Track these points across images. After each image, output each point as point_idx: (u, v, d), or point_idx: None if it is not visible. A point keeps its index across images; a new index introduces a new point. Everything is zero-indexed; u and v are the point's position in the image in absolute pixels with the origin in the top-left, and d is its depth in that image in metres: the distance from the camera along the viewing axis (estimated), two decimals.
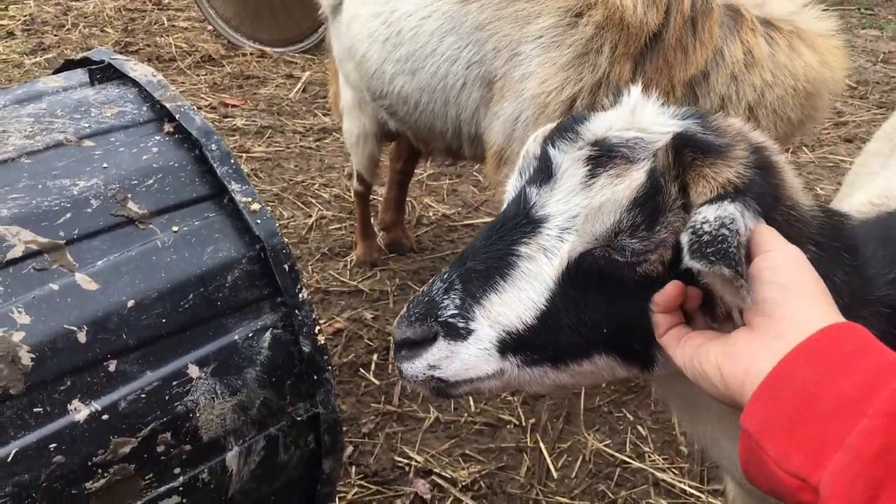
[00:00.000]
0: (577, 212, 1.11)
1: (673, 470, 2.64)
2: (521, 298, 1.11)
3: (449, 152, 2.88)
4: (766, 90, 2.22)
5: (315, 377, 1.82)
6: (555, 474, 2.61)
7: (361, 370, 3.04)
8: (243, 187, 1.78)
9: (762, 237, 1.06)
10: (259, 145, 4.76)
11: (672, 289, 1.09)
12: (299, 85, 5.61)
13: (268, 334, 1.76)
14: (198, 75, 5.70)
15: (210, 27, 6.35)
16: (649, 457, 2.68)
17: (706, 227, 1.01)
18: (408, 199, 3.98)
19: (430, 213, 4.19)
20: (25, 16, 6.68)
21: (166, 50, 6.06)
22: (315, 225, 4.02)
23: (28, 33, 6.38)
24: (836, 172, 4.50)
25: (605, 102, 1.27)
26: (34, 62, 5.81)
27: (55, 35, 6.32)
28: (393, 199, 3.77)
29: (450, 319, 1.12)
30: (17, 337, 1.49)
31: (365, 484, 2.55)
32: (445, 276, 1.16)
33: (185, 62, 5.87)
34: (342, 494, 2.47)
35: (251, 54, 6.07)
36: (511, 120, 2.41)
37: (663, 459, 2.68)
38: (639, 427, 2.81)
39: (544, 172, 1.16)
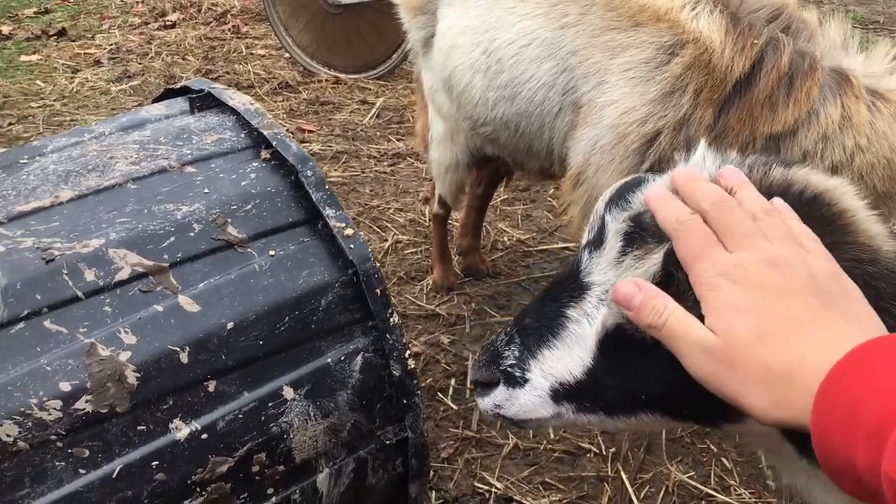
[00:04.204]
0: (609, 287, 1.14)
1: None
2: (570, 356, 1.17)
3: (542, 173, 2.90)
4: (856, 154, 2.14)
5: (404, 401, 1.83)
6: None
7: (439, 395, 3.04)
8: (337, 213, 1.82)
9: None
10: (335, 170, 4.84)
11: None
12: (373, 110, 5.69)
13: (359, 358, 1.78)
14: (275, 101, 5.83)
15: (287, 54, 6.50)
16: (735, 490, 2.62)
17: None
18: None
19: (505, 238, 4.19)
20: (111, 45, 6.94)
21: (245, 77, 6.22)
22: (391, 249, 4.06)
23: (114, 61, 6.63)
24: None
25: (677, 157, 1.23)
26: (120, 89, 6.03)
27: (139, 63, 6.55)
28: (471, 224, 3.78)
29: (509, 369, 1.22)
30: (124, 356, 1.54)
31: None
32: (509, 328, 1.26)
33: (262, 89, 6.01)
34: None
35: (326, 80, 6.19)
36: (590, 145, 2.41)
37: (750, 493, 2.61)
38: (723, 459, 2.75)
39: (598, 237, 1.19)
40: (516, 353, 1.21)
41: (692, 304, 1.01)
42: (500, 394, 1.22)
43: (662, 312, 0.96)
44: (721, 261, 0.96)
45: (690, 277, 0.98)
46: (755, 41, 2.16)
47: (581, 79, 2.38)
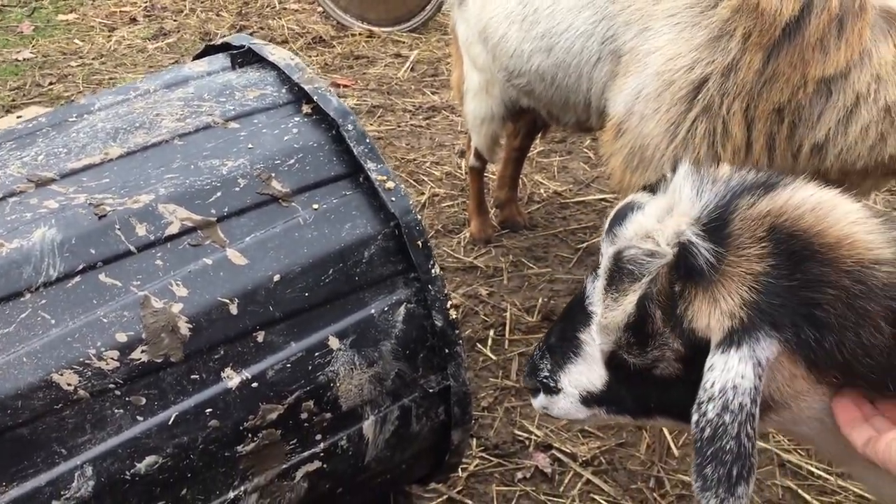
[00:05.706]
0: (599, 319, 1.31)
1: (799, 451, 2.58)
2: (589, 370, 1.37)
3: (579, 126, 2.89)
4: None
5: (446, 351, 1.86)
6: (676, 452, 2.59)
7: (478, 345, 3.09)
8: (378, 166, 1.84)
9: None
10: (370, 125, 4.85)
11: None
12: (408, 64, 5.67)
13: (402, 308, 1.82)
14: (309, 56, 5.83)
15: (320, 9, 6.48)
16: (774, 437, 2.63)
17: (709, 414, 1.09)
18: None
19: (541, 191, 4.19)
20: (146, 2, 6.97)
21: (279, 32, 6.22)
22: (428, 202, 4.08)
23: (149, 19, 6.66)
24: None
25: (668, 176, 1.30)
26: (156, 47, 6.06)
27: (174, 20, 6.58)
28: (508, 176, 3.78)
29: (544, 380, 1.45)
30: (177, 308, 1.59)
31: (486, 456, 2.59)
32: (542, 344, 1.47)
33: (297, 44, 6.01)
34: (464, 466, 2.52)
35: (360, 34, 6.17)
36: (633, 94, 2.38)
37: (788, 440, 2.62)
38: None
39: (598, 266, 1.33)
40: (549, 366, 1.43)
41: (667, 335, 1.18)
42: (542, 399, 1.46)
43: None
44: None
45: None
46: None
47: (622, 27, 2.35)
